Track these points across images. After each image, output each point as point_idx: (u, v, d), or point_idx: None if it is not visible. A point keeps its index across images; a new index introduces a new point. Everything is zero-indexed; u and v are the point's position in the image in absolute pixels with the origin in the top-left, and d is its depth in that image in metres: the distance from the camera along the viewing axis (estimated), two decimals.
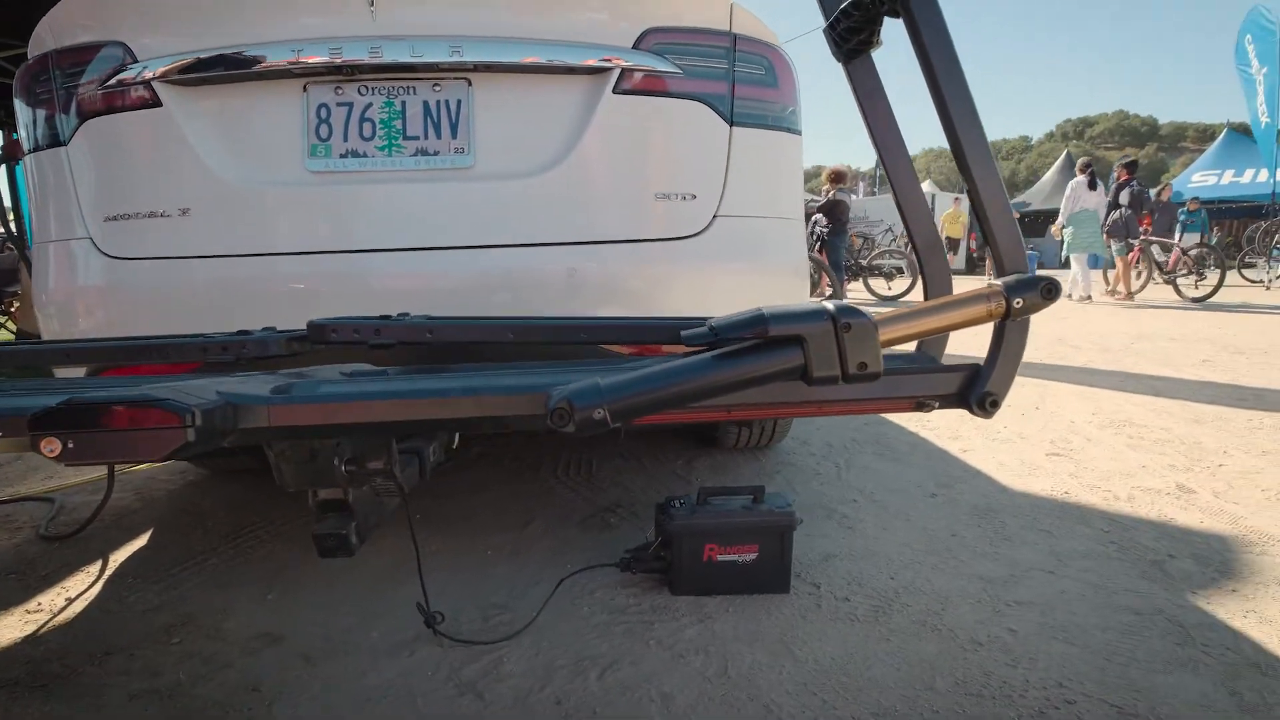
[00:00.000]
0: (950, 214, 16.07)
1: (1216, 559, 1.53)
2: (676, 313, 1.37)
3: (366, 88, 1.30)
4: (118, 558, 1.66)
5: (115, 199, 1.34)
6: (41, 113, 1.37)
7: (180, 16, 1.30)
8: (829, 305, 0.57)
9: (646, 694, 1.08)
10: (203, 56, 1.27)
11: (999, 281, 0.61)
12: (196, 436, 0.55)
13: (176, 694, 1.12)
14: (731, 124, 1.41)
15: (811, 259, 8.11)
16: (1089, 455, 2.31)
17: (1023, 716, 1.03)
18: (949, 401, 0.66)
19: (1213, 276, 8.00)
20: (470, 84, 1.31)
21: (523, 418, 0.60)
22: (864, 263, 9.38)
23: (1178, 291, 8.18)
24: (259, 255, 1.31)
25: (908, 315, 0.60)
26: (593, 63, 1.32)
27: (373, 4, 1.24)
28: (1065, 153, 30.97)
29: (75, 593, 1.50)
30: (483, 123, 1.32)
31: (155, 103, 1.30)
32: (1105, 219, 8.09)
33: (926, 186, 27.04)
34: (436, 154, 1.31)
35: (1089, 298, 8.11)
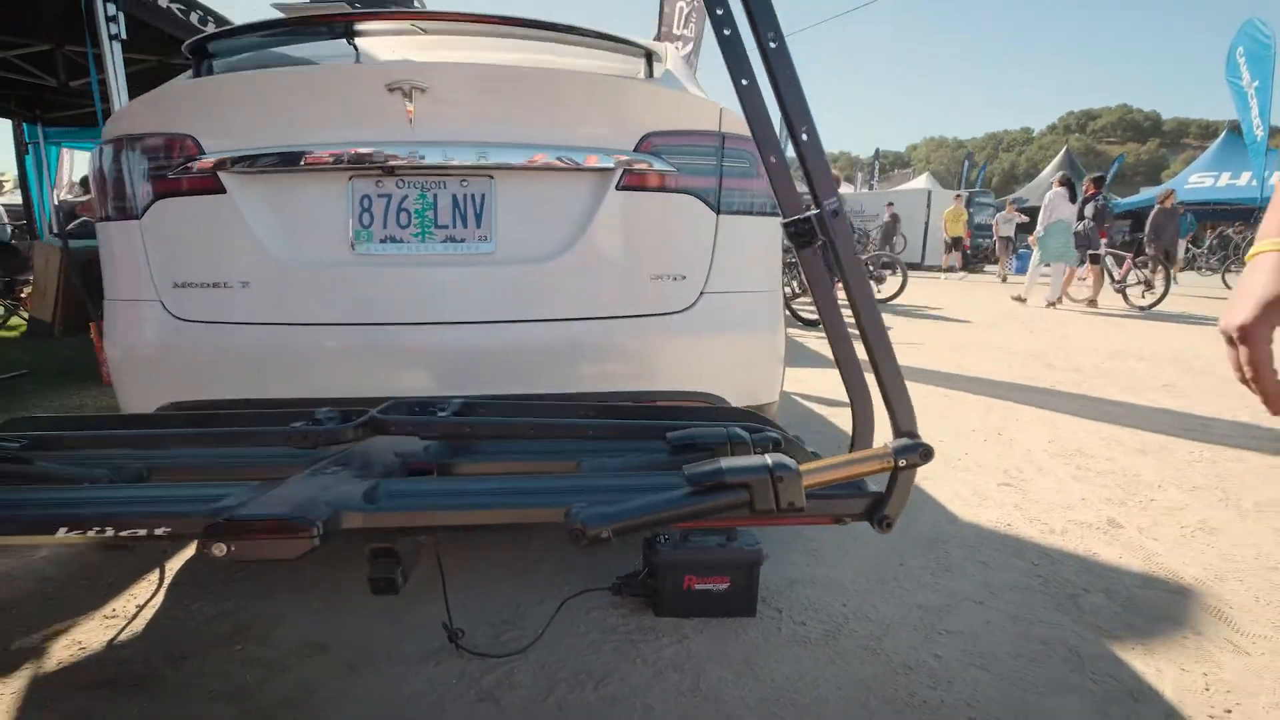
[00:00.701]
0: (952, 212, 16.15)
1: (1124, 594, 1.79)
2: (667, 374, 1.61)
3: (404, 182, 1.52)
4: (172, 566, 1.90)
5: (184, 269, 1.55)
6: (117, 188, 1.58)
7: (244, 117, 1.51)
8: (768, 460, 0.80)
9: (633, 706, 1.33)
10: (263, 152, 1.48)
11: (890, 445, 0.84)
12: (320, 541, 0.78)
13: (247, 695, 1.36)
14: (718, 212, 1.62)
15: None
16: (1036, 486, 2.56)
17: None
18: (857, 519, 0.89)
19: (1160, 286, 8.68)
20: (493, 180, 1.53)
21: (549, 525, 0.84)
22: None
23: (1126, 300, 8.87)
24: (309, 325, 1.53)
25: (825, 466, 0.83)
26: (598, 163, 1.53)
27: (411, 122, 1.45)
28: (1065, 148, 31.05)
29: (142, 600, 1.73)
30: (503, 214, 1.53)
31: (220, 189, 1.51)
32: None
33: (923, 181, 27.09)
34: (463, 241, 1.53)
35: (1057, 302, 8.92)
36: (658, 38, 6.70)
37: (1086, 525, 2.21)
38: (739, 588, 1.60)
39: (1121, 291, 8.89)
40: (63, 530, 0.83)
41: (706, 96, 1.68)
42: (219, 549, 0.77)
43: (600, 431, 1.12)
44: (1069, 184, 8.66)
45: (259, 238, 1.51)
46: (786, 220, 0.96)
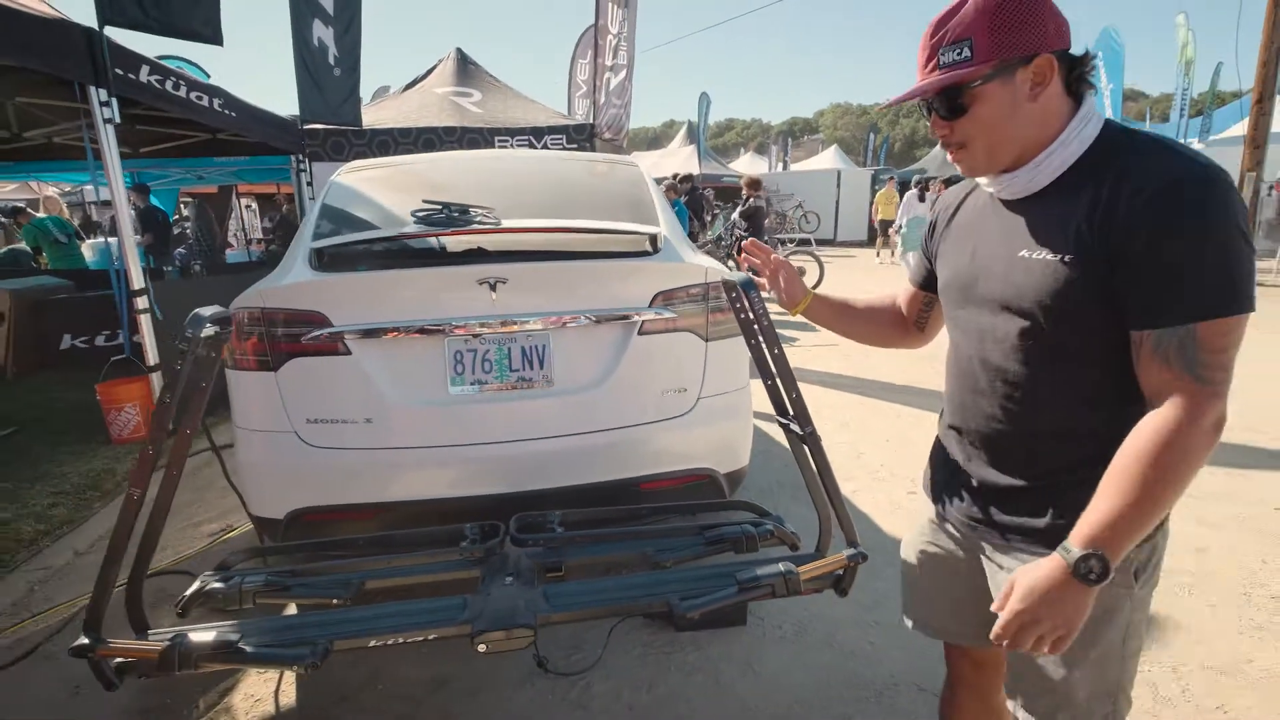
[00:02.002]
0: (884, 194, 15.58)
1: None
2: (677, 458, 2.22)
3: (486, 340, 2.06)
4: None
5: (315, 408, 2.05)
6: (257, 348, 2.04)
7: (366, 301, 2.01)
8: (781, 568, 1.43)
9: (678, 702, 1.98)
10: (383, 326, 1.99)
11: (845, 554, 1.49)
12: (535, 634, 1.36)
13: (408, 718, 1.93)
14: (707, 341, 2.24)
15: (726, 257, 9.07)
16: None
17: (870, 697, 2.00)
18: (827, 588, 1.55)
19: None
20: (550, 335, 2.09)
21: (658, 610, 1.45)
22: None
23: None
24: (417, 448, 2.06)
25: (812, 567, 1.47)
26: (624, 319, 2.12)
27: (494, 301, 1.99)
28: None
29: None
30: (558, 359, 2.10)
31: (346, 351, 2.01)
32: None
33: (831, 157, 28.11)
34: (530, 380, 2.09)
35: None
36: (594, 72, 7.15)
37: None
38: (735, 606, 2.27)
39: None
40: (373, 641, 1.38)
41: (693, 260, 2.27)
42: (481, 646, 1.34)
43: (660, 534, 1.75)
44: (922, 188, 11.47)
45: (377, 385, 2.02)
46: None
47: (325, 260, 2.08)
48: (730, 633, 2.27)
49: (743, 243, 1.75)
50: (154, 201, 8.48)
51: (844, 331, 1.48)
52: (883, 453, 3.89)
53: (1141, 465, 0.89)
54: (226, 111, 4.93)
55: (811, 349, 6.65)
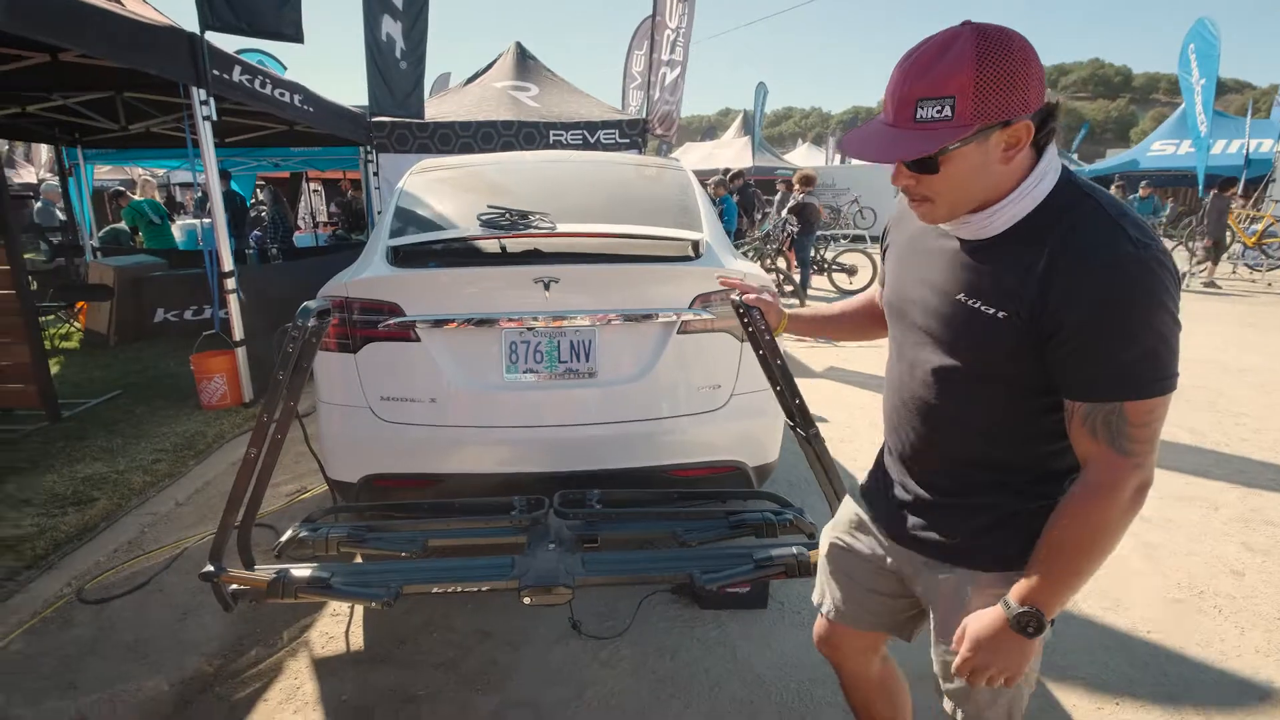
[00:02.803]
0: None
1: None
2: (709, 450, 2.42)
3: (538, 332, 2.29)
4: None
5: (388, 387, 2.32)
6: (340, 332, 2.33)
7: (436, 294, 2.26)
8: (794, 550, 1.62)
9: (697, 670, 2.19)
10: (450, 317, 2.25)
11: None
12: (572, 593, 1.59)
13: (456, 665, 2.20)
14: (742, 341, 2.42)
15: (776, 261, 9.14)
16: None
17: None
18: None
19: None
20: (596, 330, 2.31)
21: (680, 581, 1.66)
22: (828, 259, 10.39)
23: None
24: (475, 427, 2.32)
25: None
26: (665, 318, 2.32)
27: (547, 298, 2.22)
28: None
29: (344, 607, 2.53)
30: (603, 352, 2.32)
31: (416, 338, 2.27)
32: None
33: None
34: (576, 371, 2.32)
35: None
36: (649, 65, 7.31)
37: None
38: (757, 590, 2.46)
39: None
40: (435, 588, 1.64)
41: (732, 265, 2.45)
42: (526, 599, 1.58)
43: (688, 515, 1.96)
44: None
45: (441, 369, 2.28)
46: None
47: (400, 256, 2.35)
48: (751, 614, 2.46)
49: (718, 278, 1.79)
50: (233, 186, 9.07)
51: (828, 335, 1.61)
52: None
53: (1068, 532, 0.97)
54: (305, 106, 5.31)
55: (852, 350, 6.71)
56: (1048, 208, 0.97)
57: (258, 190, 10.58)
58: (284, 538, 1.94)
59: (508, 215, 2.29)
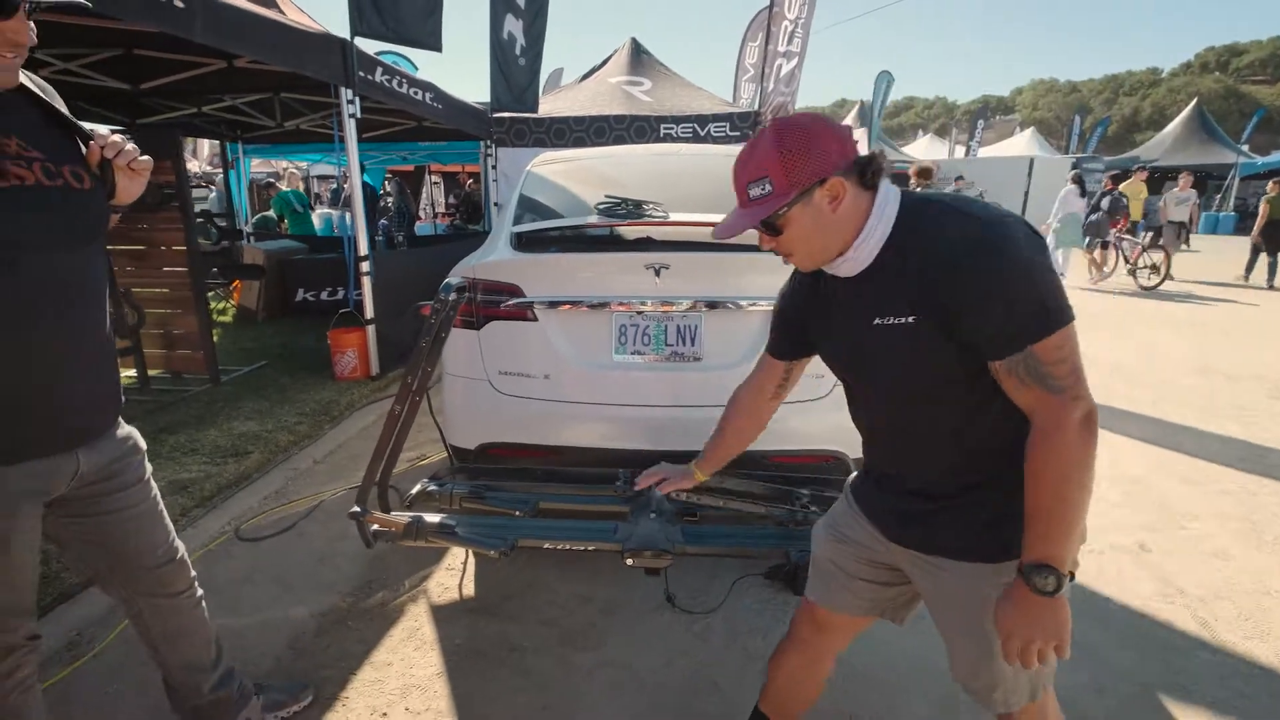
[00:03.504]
0: (1131, 187, 12.19)
1: (1136, 604, 2.54)
2: (811, 439, 2.44)
3: (647, 316, 2.40)
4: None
5: (506, 362, 2.50)
6: (466, 311, 2.53)
7: (554, 278, 2.42)
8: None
9: None
10: (565, 299, 2.40)
11: None
12: (672, 559, 1.68)
13: (557, 622, 2.36)
14: None
15: None
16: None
17: None
18: None
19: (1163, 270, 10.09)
20: (701, 316, 2.39)
21: (776, 560, 1.72)
22: None
23: (1135, 280, 10.33)
24: (584, 403, 2.46)
25: None
26: (769, 307, 2.35)
27: (657, 284, 2.32)
28: (1195, 100, 27.97)
29: (458, 561, 2.76)
30: (708, 337, 2.40)
31: (534, 318, 2.44)
32: (1085, 218, 10.37)
33: (1023, 142, 25.48)
34: (682, 354, 2.41)
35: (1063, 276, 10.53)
36: (763, 57, 7.26)
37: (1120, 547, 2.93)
38: None
39: (1132, 273, 10.31)
40: (546, 544, 1.78)
41: None
42: (629, 560, 1.70)
43: (786, 497, 2.01)
44: (1080, 181, 10.44)
45: (557, 348, 2.44)
46: None
47: (523, 242, 2.52)
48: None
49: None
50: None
51: (739, 449, 1.70)
52: None
53: (1040, 481, 1.05)
54: (434, 104, 5.69)
55: None
56: (902, 226, 1.12)
57: (385, 183, 11.41)
58: (414, 490, 2.16)
59: (624, 204, 2.41)
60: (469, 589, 2.58)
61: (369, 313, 4.93)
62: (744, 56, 9.63)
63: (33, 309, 1.24)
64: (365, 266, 4.86)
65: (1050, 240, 10.50)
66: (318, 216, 10.15)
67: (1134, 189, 12.43)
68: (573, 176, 3.01)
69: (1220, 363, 6.02)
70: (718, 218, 2.49)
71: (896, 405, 1.22)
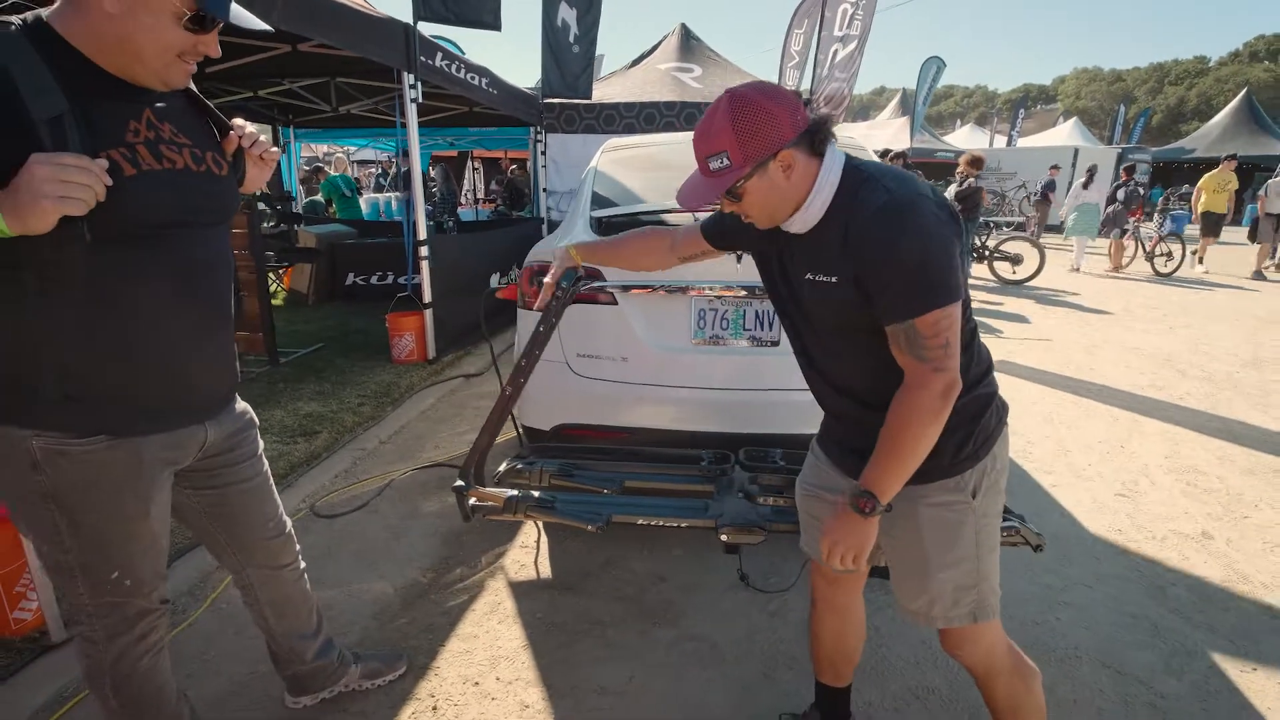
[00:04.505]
0: (1216, 178, 11.10)
1: (1202, 588, 2.52)
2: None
3: (725, 301, 2.43)
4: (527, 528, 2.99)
5: (584, 345, 2.56)
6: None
7: None
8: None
9: (867, 627, 2.26)
10: (645, 283, 2.44)
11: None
12: (765, 536, 1.72)
13: (633, 600, 2.41)
14: None
15: None
16: (1148, 499, 3.24)
17: (1050, 660, 2.13)
18: (1023, 544, 1.73)
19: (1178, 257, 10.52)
20: None
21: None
22: (990, 246, 9.76)
23: (1153, 268, 10.69)
24: (663, 386, 2.50)
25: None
26: None
27: (739, 267, 2.35)
28: (1245, 89, 27.26)
29: (532, 540, 2.84)
30: None
31: (614, 302, 2.48)
32: (1105, 209, 10.86)
33: (1066, 132, 24.87)
34: (759, 339, 2.44)
35: (1078, 269, 11.05)
36: (815, 43, 7.19)
37: (1183, 535, 2.91)
38: None
39: (1149, 259, 10.71)
40: (640, 520, 1.83)
41: None
42: (723, 537, 1.74)
43: None
44: (1090, 173, 10.95)
45: (635, 331, 2.48)
46: None
47: (603, 226, 2.56)
48: None
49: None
50: None
51: (619, 262, 1.84)
52: (1091, 454, 3.77)
53: (891, 428, 1.21)
54: (490, 89, 5.75)
55: (1019, 341, 6.33)
56: (842, 190, 1.23)
57: (430, 168, 11.56)
58: (503, 468, 2.23)
59: None
60: (545, 567, 2.65)
61: (427, 296, 5.03)
62: (789, 44, 9.51)
63: (184, 282, 1.31)
64: (424, 251, 4.95)
65: (1065, 230, 11.37)
66: (365, 201, 10.32)
67: (1221, 179, 11.04)
68: (644, 162, 3.04)
69: (1266, 351, 5.86)
70: None
71: (825, 346, 1.38)
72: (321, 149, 14.83)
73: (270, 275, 7.84)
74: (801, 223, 1.27)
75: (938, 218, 1.17)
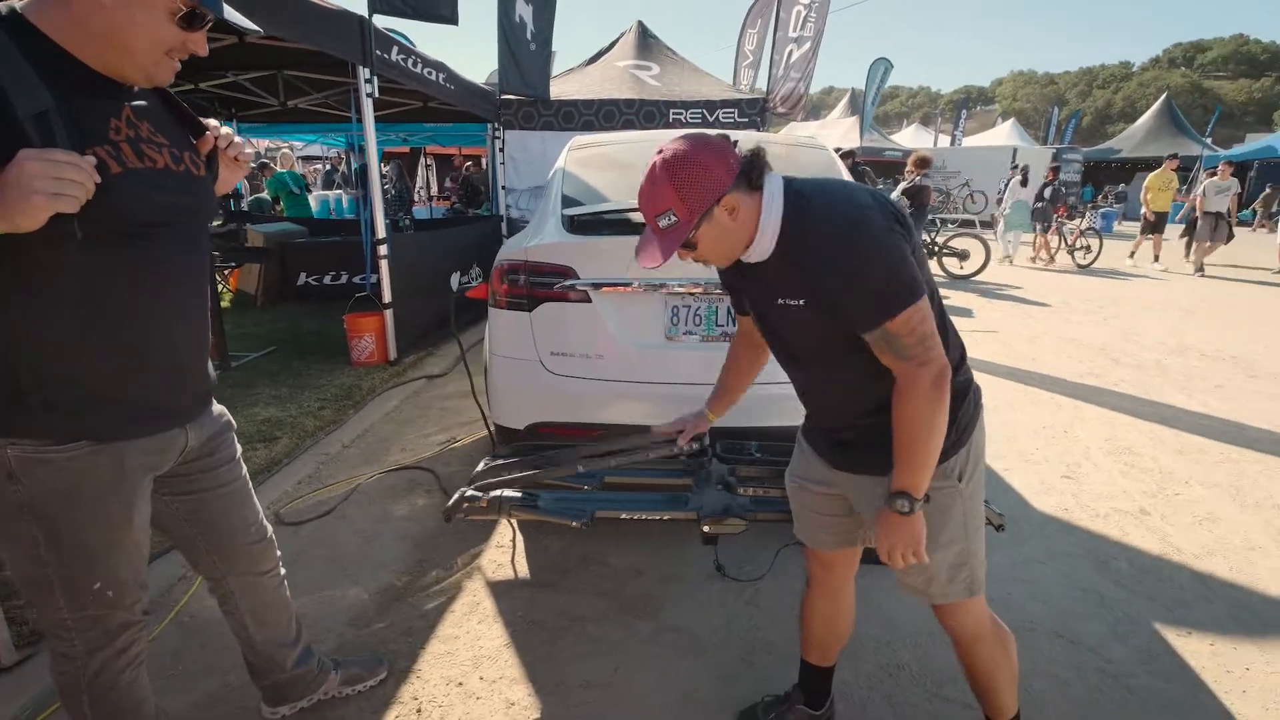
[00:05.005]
0: (1160, 178, 11.32)
1: (1141, 561, 2.70)
2: None
3: (698, 299, 2.48)
4: (503, 527, 2.99)
5: (558, 343, 2.57)
6: (515, 292, 2.59)
7: (607, 260, 2.49)
8: None
9: None
10: (618, 281, 2.47)
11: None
12: (746, 525, 1.78)
13: (614, 594, 2.45)
14: None
15: None
16: (1091, 479, 3.44)
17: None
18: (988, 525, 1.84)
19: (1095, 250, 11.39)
20: None
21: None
22: (939, 243, 10.10)
23: (1073, 260, 11.55)
24: (636, 382, 2.54)
25: None
26: None
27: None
28: (1165, 95, 28.77)
29: (507, 540, 2.84)
30: None
31: (588, 299, 2.51)
32: (1033, 205, 11.55)
33: (1004, 133, 25.97)
34: (731, 335, 2.49)
35: (1009, 258, 11.85)
36: (769, 43, 7.31)
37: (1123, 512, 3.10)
38: None
39: (1070, 252, 11.56)
40: (623, 514, 1.87)
41: None
42: (705, 527, 1.79)
43: None
44: (1023, 172, 11.63)
45: (609, 328, 2.51)
46: None
47: (576, 225, 2.58)
48: (884, 569, 2.59)
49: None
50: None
51: (741, 389, 1.91)
52: (1037, 439, 3.97)
53: (901, 430, 1.27)
54: (447, 84, 5.67)
55: (968, 334, 6.55)
56: (788, 216, 1.29)
57: (383, 164, 11.28)
58: (480, 467, 2.23)
59: None
60: (522, 566, 2.66)
61: (387, 296, 4.94)
62: (743, 43, 9.65)
63: (167, 283, 1.29)
64: (383, 250, 4.86)
65: (1000, 225, 12.15)
66: (314, 198, 10.02)
67: (1164, 178, 11.23)
68: (611, 161, 3.07)
69: (1188, 339, 6.26)
70: None
71: (807, 365, 1.45)
72: (264, 144, 14.35)
73: (216, 276, 7.59)
74: (758, 253, 1.33)
75: (885, 227, 1.23)
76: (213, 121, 1.45)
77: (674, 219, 1.26)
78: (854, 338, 1.28)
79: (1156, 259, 11.48)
